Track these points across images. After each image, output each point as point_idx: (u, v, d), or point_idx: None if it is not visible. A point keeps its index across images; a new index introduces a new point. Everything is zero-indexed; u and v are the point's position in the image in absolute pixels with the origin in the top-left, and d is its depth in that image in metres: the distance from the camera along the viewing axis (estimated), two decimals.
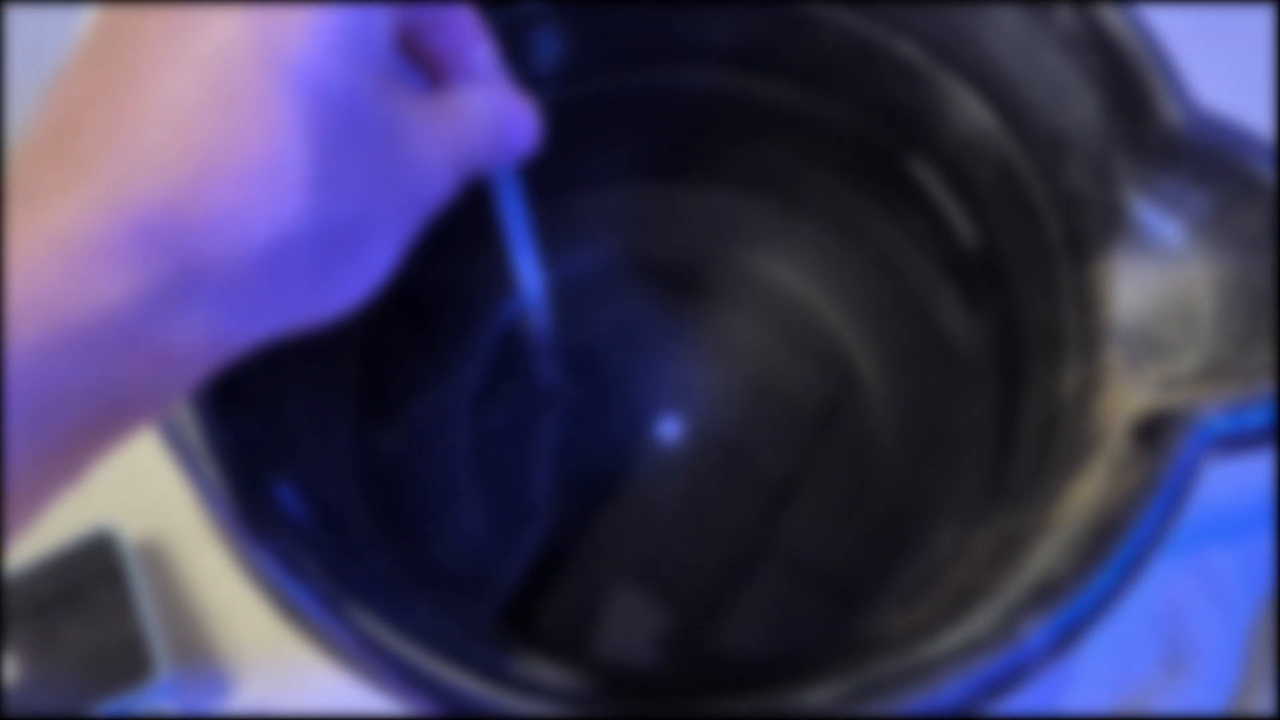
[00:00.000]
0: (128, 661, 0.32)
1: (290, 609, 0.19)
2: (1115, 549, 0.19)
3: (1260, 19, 0.43)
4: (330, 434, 0.27)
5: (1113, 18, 0.23)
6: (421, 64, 0.20)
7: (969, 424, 0.30)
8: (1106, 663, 0.34)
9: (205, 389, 0.20)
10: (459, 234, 0.34)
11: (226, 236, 0.14)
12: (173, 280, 0.14)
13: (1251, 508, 0.35)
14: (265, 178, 0.14)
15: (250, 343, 0.16)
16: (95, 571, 0.33)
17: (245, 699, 0.33)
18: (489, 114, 0.20)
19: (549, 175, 0.36)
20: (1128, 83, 0.23)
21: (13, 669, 0.32)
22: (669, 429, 0.35)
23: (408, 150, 0.17)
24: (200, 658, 0.34)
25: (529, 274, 0.27)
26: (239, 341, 0.16)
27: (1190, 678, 0.34)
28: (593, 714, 0.18)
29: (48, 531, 0.33)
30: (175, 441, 0.19)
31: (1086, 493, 0.22)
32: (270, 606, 0.19)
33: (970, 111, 0.28)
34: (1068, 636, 0.19)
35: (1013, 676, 0.19)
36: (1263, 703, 0.33)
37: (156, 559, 0.35)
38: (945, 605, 0.24)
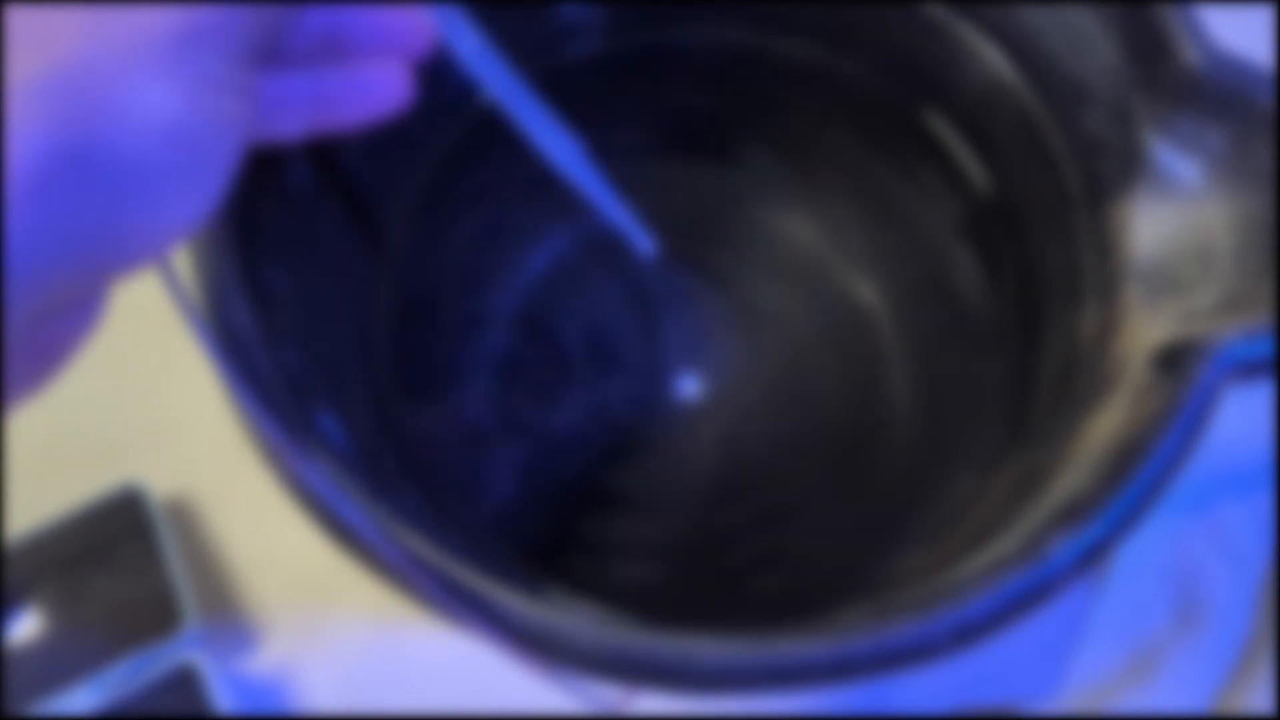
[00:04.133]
0: (156, 614, 0.32)
1: (339, 528, 0.19)
2: (1139, 468, 0.20)
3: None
4: (369, 379, 0.27)
5: None
6: None
7: (986, 373, 0.31)
8: (1120, 616, 0.35)
9: (252, 321, 0.21)
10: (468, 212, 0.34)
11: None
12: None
13: (1262, 463, 0.36)
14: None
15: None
16: (123, 527, 0.33)
17: (273, 653, 0.34)
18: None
19: None
20: (1147, 26, 0.24)
21: (41, 623, 0.32)
22: (688, 387, 0.35)
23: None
24: (228, 613, 0.34)
25: (559, 148, 0.26)
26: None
27: (1202, 631, 0.35)
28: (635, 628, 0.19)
29: (76, 488, 0.34)
30: (227, 365, 0.20)
31: (1108, 424, 0.22)
32: (320, 529, 0.20)
33: (989, 64, 0.28)
34: (1093, 553, 0.20)
35: (1039, 592, 0.20)
36: (1262, 689, 0.33)
37: (183, 517, 0.35)
38: (966, 541, 0.25)
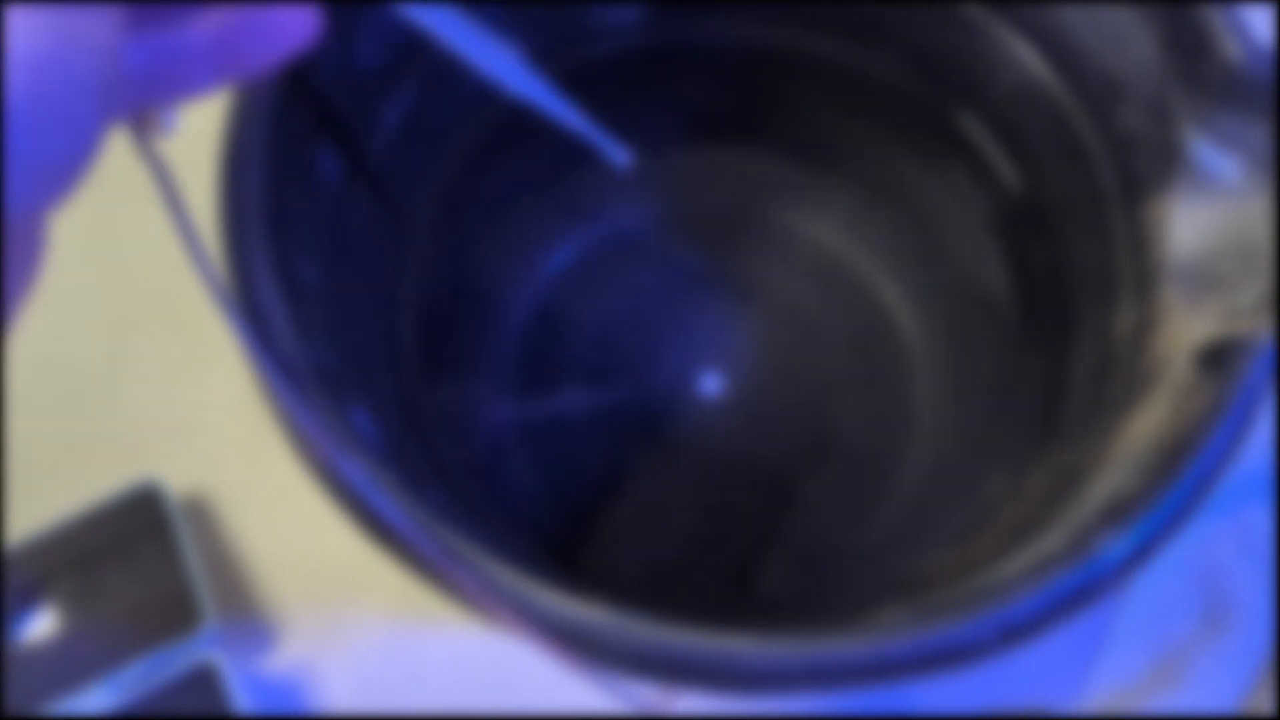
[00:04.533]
0: (174, 612, 0.32)
1: (375, 524, 0.19)
2: (1187, 467, 0.20)
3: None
4: (394, 375, 0.27)
5: None
6: None
7: (1015, 372, 0.30)
8: (1146, 619, 0.34)
9: (285, 313, 0.21)
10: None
11: None
12: None
13: None
14: None
15: None
16: (141, 524, 0.33)
17: (290, 652, 0.33)
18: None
19: (577, 140, 0.36)
20: (1186, 20, 0.24)
21: (58, 620, 0.32)
22: (710, 384, 0.35)
23: None
24: (245, 612, 0.34)
25: (508, 68, 0.25)
26: None
27: (1229, 634, 0.34)
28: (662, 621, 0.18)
29: (94, 485, 0.34)
30: (263, 357, 0.19)
31: (1148, 422, 0.22)
32: (354, 525, 0.20)
33: (1021, 60, 0.28)
34: (1143, 551, 0.19)
35: (1087, 592, 0.19)
36: None
37: (200, 514, 0.35)
38: (1000, 542, 0.24)
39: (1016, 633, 0.19)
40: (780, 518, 0.33)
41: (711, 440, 0.34)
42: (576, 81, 0.32)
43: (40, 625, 0.32)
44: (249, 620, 0.34)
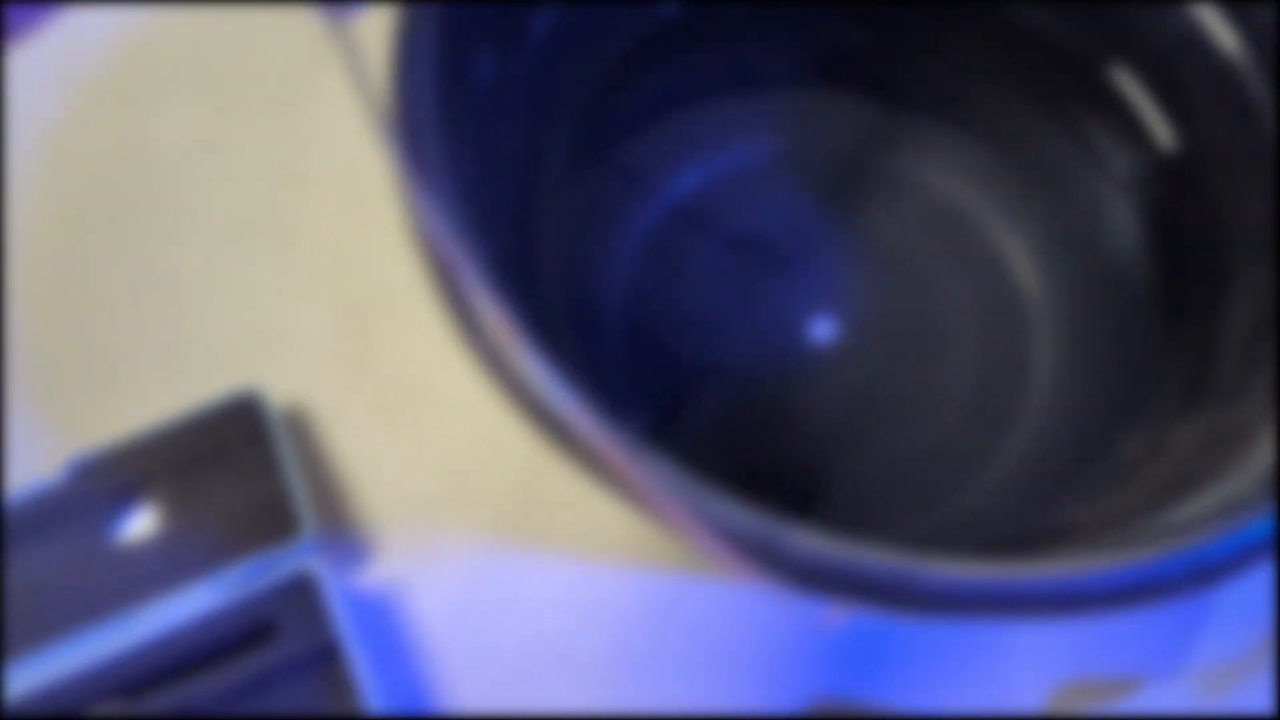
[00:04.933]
0: (274, 519, 0.32)
1: (549, 417, 0.19)
2: None
3: None
4: (530, 293, 0.26)
5: None
6: None
7: (1146, 334, 0.30)
8: (1251, 596, 0.34)
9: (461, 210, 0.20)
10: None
11: None
12: None
13: None
14: None
15: None
16: (241, 431, 0.33)
17: (384, 569, 0.33)
18: None
19: (709, 71, 0.36)
20: None
21: (159, 520, 0.32)
22: (821, 330, 0.34)
23: None
24: (340, 526, 0.34)
25: None
26: None
27: None
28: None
29: (193, 390, 0.33)
30: (451, 239, 0.19)
31: None
32: (523, 418, 0.19)
33: (1190, 10, 0.27)
34: None
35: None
36: None
37: (297, 428, 0.35)
38: (1149, 495, 0.24)
39: (1206, 574, 0.18)
40: (894, 469, 0.33)
41: (817, 384, 0.34)
42: (707, 11, 0.32)
43: (142, 523, 0.32)
44: (344, 534, 0.33)
